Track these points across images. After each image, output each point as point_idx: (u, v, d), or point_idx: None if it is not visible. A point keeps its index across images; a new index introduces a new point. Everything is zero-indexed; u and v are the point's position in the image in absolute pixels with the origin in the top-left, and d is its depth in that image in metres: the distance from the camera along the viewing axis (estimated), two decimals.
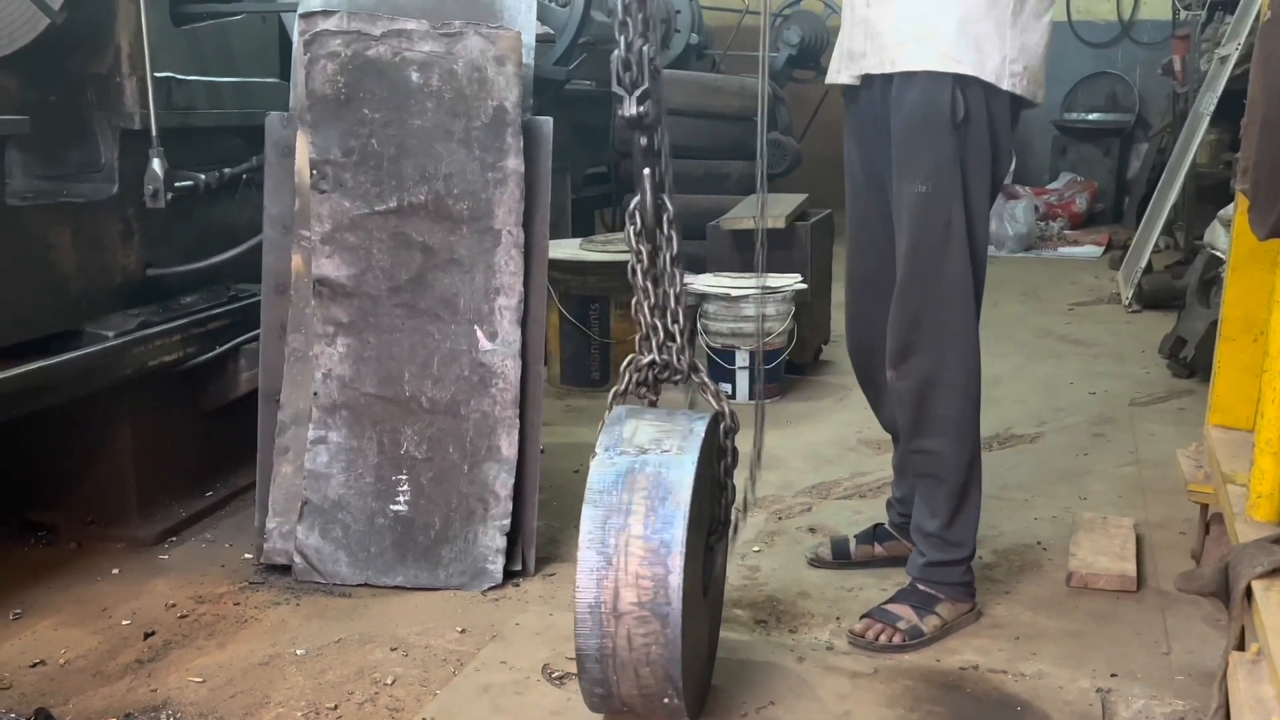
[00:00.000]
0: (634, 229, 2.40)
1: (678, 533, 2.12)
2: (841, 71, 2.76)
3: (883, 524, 3.12)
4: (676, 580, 2.10)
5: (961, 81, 2.51)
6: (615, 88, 2.34)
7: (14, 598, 2.92)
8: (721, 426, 2.41)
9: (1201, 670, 2.56)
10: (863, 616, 2.73)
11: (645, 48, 2.29)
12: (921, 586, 2.75)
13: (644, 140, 2.36)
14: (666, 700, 2.20)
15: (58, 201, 3.07)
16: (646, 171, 2.37)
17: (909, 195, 2.60)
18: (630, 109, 2.32)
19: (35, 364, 2.83)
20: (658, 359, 2.44)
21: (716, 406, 2.42)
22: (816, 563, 3.10)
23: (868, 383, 2.96)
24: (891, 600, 2.76)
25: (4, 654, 2.66)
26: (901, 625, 2.67)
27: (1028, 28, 2.54)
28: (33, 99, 3.12)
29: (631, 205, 2.40)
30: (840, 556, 3.09)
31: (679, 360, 2.45)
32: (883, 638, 2.66)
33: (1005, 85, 2.52)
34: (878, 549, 3.08)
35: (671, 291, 2.42)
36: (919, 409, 2.70)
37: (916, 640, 2.66)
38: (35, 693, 2.49)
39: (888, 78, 2.61)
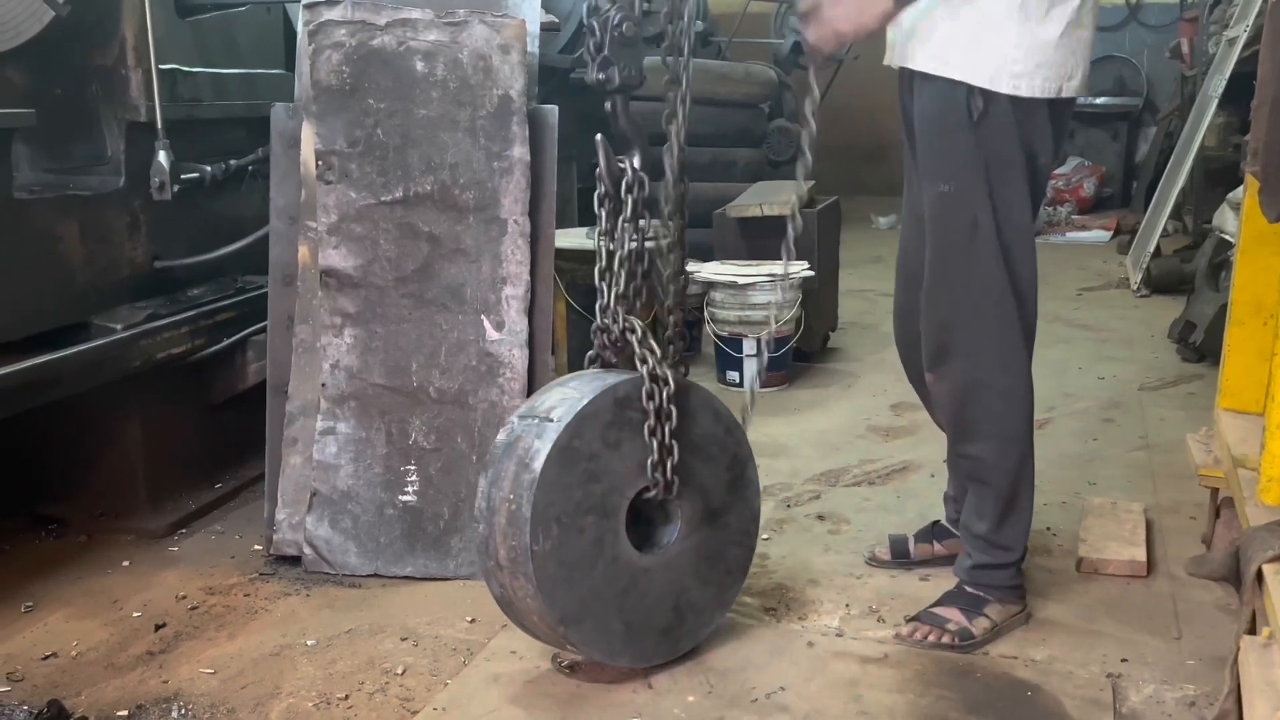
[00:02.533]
0: (597, 193, 2.51)
1: (527, 504, 2.30)
2: (887, 54, 2.69)
3: (940, 521, 3.04)
4: (525, 544, 2.30)
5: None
6: (586, 53, 2.50)
7: (25, 590, 2.93)
8: (644, 389, 2.43)
9: (1212, 655, 2.55)
10: (909, 619, 2.68)
11: (612, 14, 2.41)
12: (969, 589, 2.69)
13: (607, 105, 2.50)
14: (570, 648, 2.43)
15: (64, 194, 3.08)
16: (599, 137, 2.49)
17: (933, 195, 2.54)
18: (592, 74, 2.47)
19: (43, 357, 2.84)
20: (599, 323, 2.52)
21: (642, 369, 2.45)
22: (875, 563, 3.03)
23: (916, 382, 2.86)
24: (939, 603, 2.70)
25: (16, 646, 2.67)
26: (951, 627, 2.61)
27: (1042, 21, 2.41)
28: (38, 92, 3.12)
29: (598, 170, 2.51)
30: (900, 556, 3.02)
31: (614, 323, 2.51)
32: (931, 637, 2.61)
33: (1006, 89, 2.41)
34: (937, 547, 3.00)
35: (618, 254, 2.50)
36: (959, 413, 2.65)
37: (967, 642, 2.59)
38: (47, 684, 2.50)
39: (912, 72, 2.55)
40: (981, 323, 2.57)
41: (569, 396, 2.40)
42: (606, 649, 2.45)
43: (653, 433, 2.43)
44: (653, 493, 2.46)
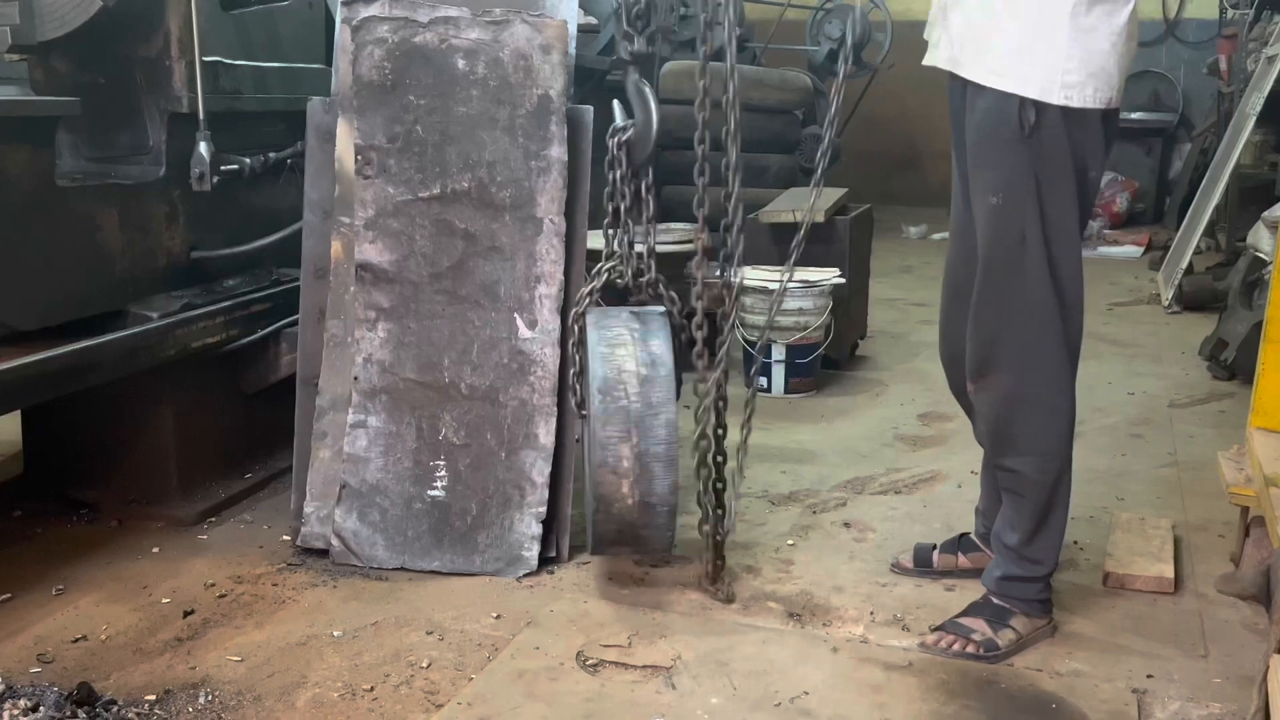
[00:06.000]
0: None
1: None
2: (928, 54, 2.66)
3: (968, 534, 3.03)
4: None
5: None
6: (625, 27, 2.78)
7: (56, 573, 2.96)
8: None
9: (1239, 674, 2.54)
10: (935, 629, 2.68)
11: None
12: (996, 600, 2.68)
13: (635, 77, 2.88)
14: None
15: (106, 183, 3.11)
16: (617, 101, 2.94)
17: (983, 206, 2.54)
18: (641, 46, 2.80)
19: (81, 344, 2.88)
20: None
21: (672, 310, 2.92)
22: (898, 570, 3.03)
23: (960, 393, 2.85)
24: (964, 613, 2.69)
25: (47, 629, 2.70)
26: (976, 637, 2.61)
27: (1094, 31, 2.40)
28: (83, 81, 3.17)
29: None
30: (922, 564, 3.01)
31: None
32: (956, 647, 2.61)
33: (1058, 100, 2.40)
34: (961, 559, 2.99)
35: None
36: (999, 426, 2.65)
37: (992, 653, 2.59)
38: (77, 667, 2.53)
39: (963, 79, 2.53)
40: (1026, 336, 2.56)
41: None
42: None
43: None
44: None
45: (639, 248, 2.91)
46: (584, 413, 2.91)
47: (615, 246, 2.91)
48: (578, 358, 2.93)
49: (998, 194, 2.50)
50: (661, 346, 2.78)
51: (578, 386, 2.95)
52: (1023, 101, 2.42)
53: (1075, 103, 2.42)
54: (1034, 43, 2.41)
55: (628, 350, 2.76)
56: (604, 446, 2.70)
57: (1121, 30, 2.43)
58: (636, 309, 2.90)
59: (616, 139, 2.85)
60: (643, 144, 2.84)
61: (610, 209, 2.89)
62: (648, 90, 2.85)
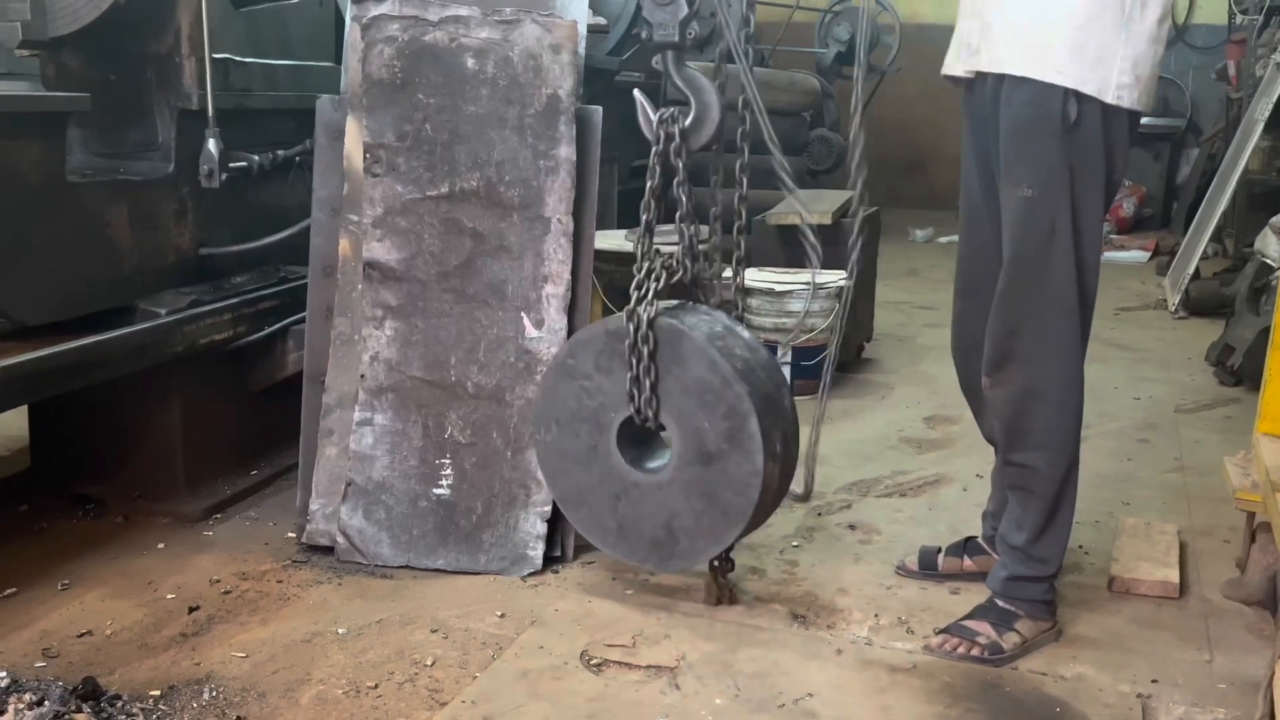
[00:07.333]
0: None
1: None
2: (956, 64, 2.67)
3: (974, 537, 3.03)
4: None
5: (1074, 90, 2.43)
6: (688, 8, 2.68)
7: (62, 569, 2.97)
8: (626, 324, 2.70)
9: (1244, 679, 2.53)
10: (939, 631, 2.68)
11: None
12: (1000, 603, 2.68)
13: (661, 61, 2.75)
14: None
15: (115, 179, 3.12)
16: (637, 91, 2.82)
17: (1014, 199, 2.54)
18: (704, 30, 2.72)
19: (88, 339, 2.88)
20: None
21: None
22: (903, 573, 3.02)
23: (970, 391, 2.86)
24: (969, 616, 2.69)
25: (52, 623, 2.70)
26: (981, 641, 2.61)
27: (1141, 36, 2.44)
28: (94, 77, 3.17)
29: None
30: (927, 568, 3.01)
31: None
32: (960, 650, 2.61)
33: (1110, 99, 2.42)
34: (966, 562, 2.99)
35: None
36: (1014, 420, 2.64)
37: (996, 657, 2.59)
38: (82, 662, 2.53)
39: (1000, 76, 2.54)
40: (1047, 330, 2.58)
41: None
42: (600, 538, 2.83)
43: (629, 364, 2.66)
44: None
45: (692, 242, 2.77)
46: (658, 427, 2.71)
47: (658, 244, 2.74)
48: (653, 367, 2.64)
49: (1032, 187, 2.50)
50: (745, 330, 2.77)
51: (655, 399, 2.66)
52: (1066, 94, 2.43)
53: (1125, 103, 2.44)
54: (1093, 41, 2.42)
55: (732, 339, 2.68)
56: (765, 436, 2.59)
57: (1161, 39, 2.49)
58: (683, 304, 2.80)
59: (672, 126, 2.70)
60: (703, 129, 2.72)
61: (654, 202, 2.73)
62: (703, 77, 2.74)
